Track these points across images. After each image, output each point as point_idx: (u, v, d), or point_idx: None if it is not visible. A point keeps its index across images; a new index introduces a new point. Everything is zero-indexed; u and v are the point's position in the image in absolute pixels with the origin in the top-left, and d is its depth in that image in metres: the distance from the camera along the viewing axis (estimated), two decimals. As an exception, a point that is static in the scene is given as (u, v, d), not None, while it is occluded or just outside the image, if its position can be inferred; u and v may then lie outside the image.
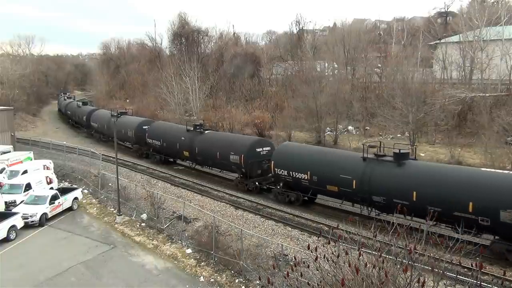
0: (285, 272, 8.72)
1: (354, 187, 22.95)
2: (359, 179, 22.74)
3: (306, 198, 27.05)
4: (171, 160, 40.13)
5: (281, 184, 28.04)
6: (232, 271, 19.18)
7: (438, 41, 55.91)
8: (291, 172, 26.76)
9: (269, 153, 30.42)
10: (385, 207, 21.86)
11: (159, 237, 23.51)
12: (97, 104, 74.33)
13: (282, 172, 27.30)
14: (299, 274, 8.38)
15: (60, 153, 42.17)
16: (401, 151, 22.36)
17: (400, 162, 21.87)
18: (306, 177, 25.76)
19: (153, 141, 39.93)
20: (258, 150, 30.51)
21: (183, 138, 35.83)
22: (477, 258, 9.31)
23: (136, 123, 43.42)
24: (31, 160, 35.32)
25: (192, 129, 35.92)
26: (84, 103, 61.93)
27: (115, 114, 47.43)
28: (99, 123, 51.02)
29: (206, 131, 35.24)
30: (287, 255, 19.15)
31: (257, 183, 30.09)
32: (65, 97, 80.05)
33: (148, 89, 71.94)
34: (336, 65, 59.18)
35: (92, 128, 54.55)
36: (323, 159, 25.69)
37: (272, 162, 28.24)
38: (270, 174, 29.54)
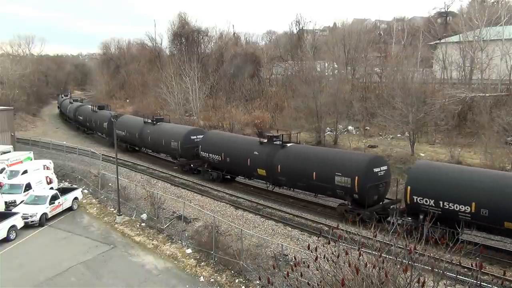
0: (285, 272, 8.73)
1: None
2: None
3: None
4: (229, 177, 33.51)
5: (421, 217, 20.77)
6: (232, 271, 19.19)
7: (438, 41, 55.88)
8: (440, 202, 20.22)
9: (386, 174, 24.58)
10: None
11: (159, 237, 23.51)
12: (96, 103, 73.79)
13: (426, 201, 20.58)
14: (299, 274, 8.39)
15: (60, 153, 42.17)
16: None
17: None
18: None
19: (210, 155, 33.06)
20: (376, 170, 23.99)
21: (256, 152, 29.27)
22: (477, 258, 9.32)
23: (183, 132, 37.19)
24: (31, 160, 35.32)
25: (266, 141, 29.86)
26: (101, 107, 55.56)
27: (151, 121, 42.09)
28: (128, 132, 45.04)
29: (288, 144, 28.89)
30: (287, 255, 19.16)
31: (375, 213, 23.23)
32: (71, 100, 72.95)
33: (148, 89, 71.93)
34: (336, 65, 59.14)
35: (117, 136, 49.60)
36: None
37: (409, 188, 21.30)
38: (386, 201, 24.35)
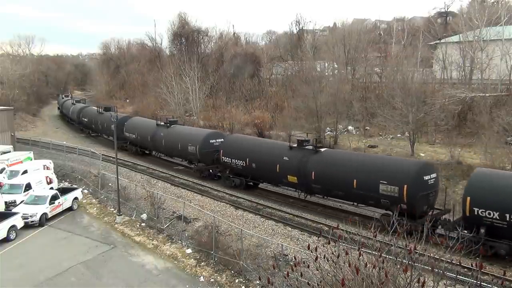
0: (285, 272, 8.73)
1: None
2: None
3: None
4: (251, 183, 31.35)
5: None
6: (232, 271, 19.19)
7: (438, 41, 55.89)
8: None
9: (436, 182, 22.87)
10: None
11: (159, 237, 23.51)
12: (97, 104, 73.08)
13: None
14: (299, 274, 8.39)
15: (60, 153, 42.16)
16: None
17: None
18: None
19: (233, 160, 30.86)
20: (426, 178, 22.26)
21: (285, 158, 27.10)
22: (477, 258, 9.31)
23: (201, 136, 34.82)
24: (31, 160, 35.31)
25: (296, 145, 27.53)
26: (107, 109, 53.06)
27: (164, 124, 40.00)
28: (139, 134, 42.81)
29: (323, 149, 26.66)
30: (287, 255, 19.16)
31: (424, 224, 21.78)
32: (73, 101, 69.58)
33: (148, 89, 71.94)
34: (336, 65, 59.16)
35: (127, 139, 45.45)
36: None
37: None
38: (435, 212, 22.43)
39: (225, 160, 31.63)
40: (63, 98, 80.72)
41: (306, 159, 26.07)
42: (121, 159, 37.20)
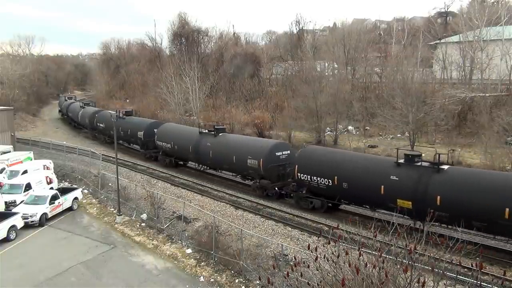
0: (285, 272, 8.73)
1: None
2: None
3: None
4: (330, 204, 26.06)
5: None
6: (232, 271, 19.19)
7: (438, 41, 55.93)
8: None
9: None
10: None
11: (159, 237, 23.51)
12: (97, 104, 71.15)
13: None
14: (299, 274, 8.39)
15: (60, 153, 42.15)
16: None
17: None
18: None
19: (313, 178, 25.55)
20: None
21: (394, 177, 21.96)
22: (477, 258, 9.31)
23: (265, 147, 29.33)
24: (31, 160, 35.31)
25: (404, 161, 22.50)
26: (128, 113, 47.09)
27: (208, 131, 35.00)
28: (176, 144, 36.98)
29: (445, 167, 21.49)
30: (287, 255, 19.16)
31: None
32: (82, 103, 63.30)
33: (148, 89, 71.92)
34: (336, 65, 59.21)
35: (158, 149, 40.17)
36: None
37: None
38: None
39: (302, 178, 26.10)
40: (66, 100, 74.93)
41: (426, 179, 21.06)
42: (121, 159, 37.18)
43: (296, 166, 26.60)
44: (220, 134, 33.83)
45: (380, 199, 22.53)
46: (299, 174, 26.35)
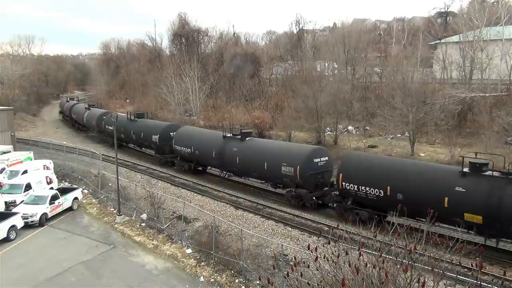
0: (285, 272, 8.72)
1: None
2: None
3: None
4: (376, 216, 22.62)
5: None
6: (232, 271, 19.19)
7: (438, 41, 55.90)
8: None
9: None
10: None
11: (159, 237, 23.52)
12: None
13: None
14: (299, 274, 8.38)
15: (60, 153, 42.15)
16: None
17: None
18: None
19: (361, 188, 23.32)
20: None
21: (459, 188, 19.94)
22: (477, 258, 9.31)
23: (303, 154, 26.95)
24: (31, 160, 35.32)
25: (470, 170, 20.27)
26: (140, 115, 44.85)
27: (233, 135, 32.40)
28: (197, 149, 34.47)
29: None
30: (287, 255, 19.17)
31: None
32: (87, 105, 59.94)
33: (148, 89, 71.94)
34: (336, 65, 59.20)
35: (176, 154, 37.43)
36: None
37: None
38: None
39: (347, 187, 23.98)
40: (68, 101, 72.39)
41: (499, 191, 19.03)
42: (121, 159, 37.17)
43: (341, 174, 24.34)
44: (247, 139, 31.50)
45: (443, 212, 19.29)
46: (343, 183, 24.15)
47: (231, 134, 32.67)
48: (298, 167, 26.13)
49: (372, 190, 22.92)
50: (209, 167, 36.49)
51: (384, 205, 22.68)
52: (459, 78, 48.06)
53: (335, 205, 25.65)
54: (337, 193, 25.50)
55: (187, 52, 69.81)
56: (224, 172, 33.95)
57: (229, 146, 31.59)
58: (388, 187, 22.18)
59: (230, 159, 31.27)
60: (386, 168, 23.29)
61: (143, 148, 44.82)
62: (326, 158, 27.19)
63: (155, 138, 39.28)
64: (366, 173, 23.42)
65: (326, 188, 26.97)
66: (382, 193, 22.48)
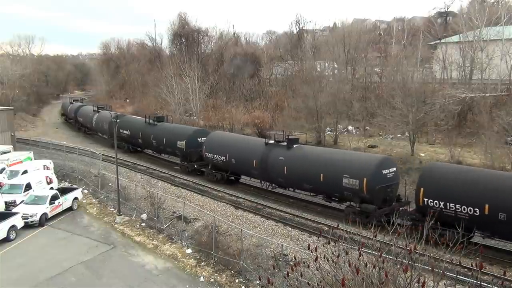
0: (285, 272, 8.72)
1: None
2: None
3: None
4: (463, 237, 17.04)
5: None
6: (232, 271, 19.19)
7: (438, 41, 55.87)
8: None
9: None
10: None
11: (159, 237, 23.52)
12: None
13: None
14: (299, 274, 8.38)
15: (60, 153, 42.15)
16: None
17: None
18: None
19: (449, 206, 20.67)
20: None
21: None
22: (477, 258, 9.31)
23: (370, 164, 24.04)
24: (31, 160, 35.32)
25: None
26: (159, 119, 41.70)
27: (277, 142, 29.38)
28: (233, 157, 31.37)
29: None
30: (287, 255, 19.17)
31: None
32: (96, 107, 55.57)
33: (148, 89, 71.95)
34: (336, 65, 59.16)
35: (208, 162, 34.15)
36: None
37: None
38: None
39: (431, 204, 20.93)
40: (71, 102, 67.60)
41: None
42: (121, 159, 37.16)
43: (422, 189, 21.46)
44: (295, 146, 28.22)
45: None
46: (425, 199, 21.28)
47: (275, 141, 29.59)
48: (365, 179, 23.01)
49: (464, 209, 19.96)
50: (245, 177, 32.93)
51: (481, 225, 19.89)
52: (459, 78, 48.02)
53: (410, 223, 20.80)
54: (411, 209, 23.15)
55: (187, 52, 69.79)
56: (266, 183, 30.24)
57: (274, 154, 28.33)
58: (487, 206, 19.25)
59: (276, 169, 28.01)
60: (482, 182, 20.27)
61: (163, 154, 41.45)
62: (394, 169, 24.40)
63: (181, 144, 35.71)
64: (455, 188, 20.51)
65: (394, 203, 24.11)
66: (478, 212, 19.52)
